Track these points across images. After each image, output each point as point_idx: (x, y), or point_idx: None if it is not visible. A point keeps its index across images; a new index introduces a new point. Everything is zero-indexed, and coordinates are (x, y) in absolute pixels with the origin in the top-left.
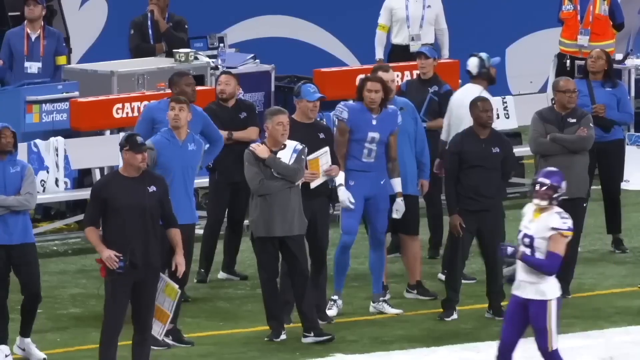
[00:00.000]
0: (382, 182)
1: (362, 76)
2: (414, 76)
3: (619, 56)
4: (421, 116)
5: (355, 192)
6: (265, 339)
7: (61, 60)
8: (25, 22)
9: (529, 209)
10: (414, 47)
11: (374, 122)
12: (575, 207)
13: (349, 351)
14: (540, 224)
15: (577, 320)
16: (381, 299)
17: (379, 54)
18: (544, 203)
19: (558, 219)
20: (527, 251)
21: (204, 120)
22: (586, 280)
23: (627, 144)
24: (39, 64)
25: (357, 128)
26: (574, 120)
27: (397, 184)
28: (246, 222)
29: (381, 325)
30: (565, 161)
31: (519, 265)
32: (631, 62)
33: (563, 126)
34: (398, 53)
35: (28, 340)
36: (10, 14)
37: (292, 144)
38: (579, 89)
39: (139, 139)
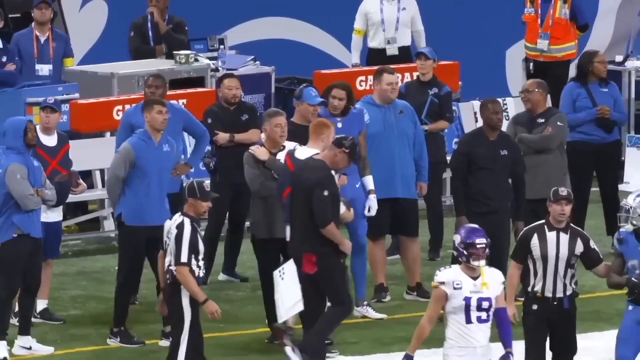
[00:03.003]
0: (357, 186)
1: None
2: (410, 78)
3: (619, 58)
4: (422, 119)
5: None
6: (266, 340)
7: (69, 62)
8: (34, 24)
9: (456, 274)
10: (391, 51)
11: (340, 125)
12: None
13: (350, 352)
14: (491, 282)
15: (577, 322)
16: (365, 303)
17: (355, 58)
18: (484, 262)
19: (499, 272)
20: (484, 315)
21: (185, 117)
22: (586, 282)
23: (627, 146)
24: (50, 66)
25: None
26: (543, 121)
27: (369, 182)
28: (247, 223)
29: (382, 326)
30: (534, 161)
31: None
32: (631, 63)
33: (532, 127)
34: (375, 56)
35: (29, 337)
36: (10, 15)
37: (290, 145)
38: (577, 92)
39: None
